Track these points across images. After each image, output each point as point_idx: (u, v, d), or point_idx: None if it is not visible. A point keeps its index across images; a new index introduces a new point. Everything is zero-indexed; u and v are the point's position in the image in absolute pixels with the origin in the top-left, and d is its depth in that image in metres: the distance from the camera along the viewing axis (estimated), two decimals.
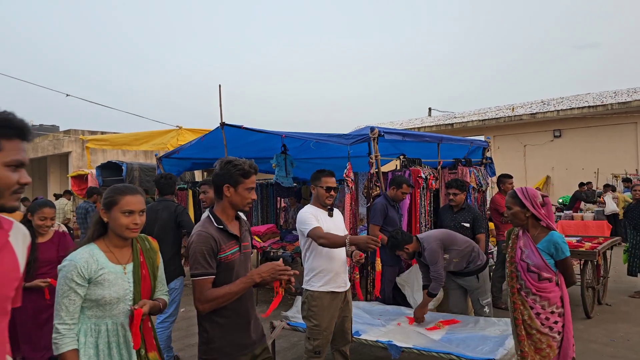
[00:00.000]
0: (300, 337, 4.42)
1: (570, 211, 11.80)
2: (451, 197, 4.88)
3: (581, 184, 13.18)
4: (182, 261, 4.27)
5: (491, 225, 7.41)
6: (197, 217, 7.38)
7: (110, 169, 12.27)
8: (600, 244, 5.83)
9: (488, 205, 7.46)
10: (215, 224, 2.15)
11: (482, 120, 16.88)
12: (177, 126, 8.28)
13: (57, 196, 11.45)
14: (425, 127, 18.44)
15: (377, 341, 3.48)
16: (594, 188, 12.97)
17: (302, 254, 3.29)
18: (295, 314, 4.14)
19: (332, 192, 3.26)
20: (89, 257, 1.92)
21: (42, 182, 19.12)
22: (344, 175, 5.03)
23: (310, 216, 3.15)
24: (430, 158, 6.10)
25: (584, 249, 5.44)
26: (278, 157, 6.17)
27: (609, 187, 11.78)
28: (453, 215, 4.91)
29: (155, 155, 7.40)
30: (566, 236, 6.64)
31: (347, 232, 3.46)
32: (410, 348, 3.34)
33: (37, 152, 16.67)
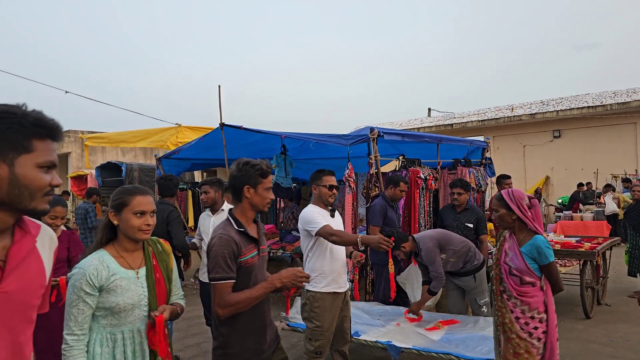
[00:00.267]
0: (300, 337, 4.42)
1: (570, 211, 11.83)
2: (455, 196, 4.86)
3: (579, 185, 13.19)
4: (182, 264, 4.26)
5: (490, 225, 7.42)
6: (197, 218, 7.38)
7: (109, 170, 12.28)
8: (599, 244, 5.83)
9: (487, 206, 7.47)
10: (236, 227, 2.12)
11: (482, 120, 16.88)
12: (177, 124, 8.24)
13: None
14: (424, 127, 18.45)
15: (376, 342, 3.48)
16: (594, 188, 12.98)
17: (304, 255, 3.28)
18: (294, 314, 4.14)
19: (334, 191, 3.26)
20: (98, 263, 1.83)
21: None
22: (346, 175, 5.02)
23: (317, 215, 3.14)
24: (429, 158, 6.10)
25: (583, 249, 5.44)
26: (278, 158, 6.18)
27: (609, 188, 11.79)
28: (456, 216, 4.90)
29: (155, 156, 7.39)
30: (565, 236, 6.67)
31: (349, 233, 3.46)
32: (409, 348, 3.34)
33: None
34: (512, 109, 17.15)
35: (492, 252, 6.66)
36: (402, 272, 4.81)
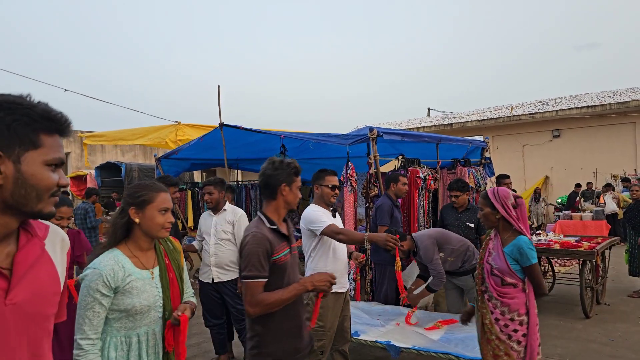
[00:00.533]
0: None
1: (569, 211, 11.83)
2: (453, 199, 4.87)
3: (577, 185, 13.21)
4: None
5: None
6: (196, 218, 7.38)
7: (109, 170, 12.29)
8: (599, 243, 5.84)
9: None
10: (269, 225, 2.12)
11: (481, 120, 16.88)
12: (176, 121, 8.21)
13: None
14: (424, 127, 18.45)
15: (376, 341, 3.48)
16: (594, 188, 12.99)
17: (306, 255, 3.27)
18: None
19: (336, 191, 3.27)
20: (114, 264, 1.75)
21: None
22: (348, 175, 5.02)
23: (322, 214, 3.14)
24: (429, 158, 6.10)
25: (582, 249, 5.44)
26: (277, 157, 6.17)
27: (609, 187, 11.80)
28: (457, 215, 4.90)
29: (155, 156, 7.39)
30: (565, 236, 6.67)
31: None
32: (409, 348, 3.34)
33: None
34: (512, 108, 17.16)
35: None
36: (404, 270, 4.81)
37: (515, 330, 2.53)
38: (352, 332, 3.53)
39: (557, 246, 5.70)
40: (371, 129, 4.80)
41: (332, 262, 3.15)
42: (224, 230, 4.01)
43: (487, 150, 7.10)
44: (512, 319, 2.54)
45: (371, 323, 3.93)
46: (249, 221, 4.20)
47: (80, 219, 7.43)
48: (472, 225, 4.80)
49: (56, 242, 1.16)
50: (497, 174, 7.52)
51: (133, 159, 15.88)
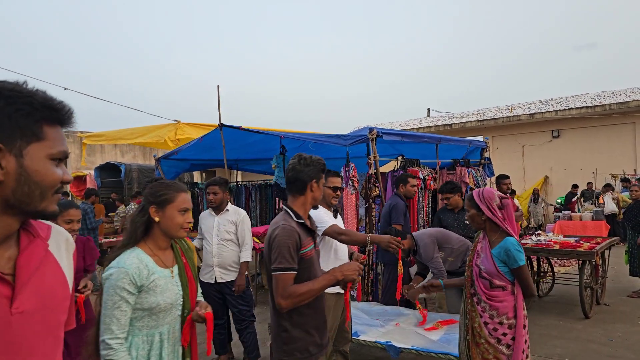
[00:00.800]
0: None
1: (569, 211, 11.83)
2: (445, 202, 4.90)
3: (574, 186, 13.23)
4: None
5: None
6: (196, 219, 7.37)
7: (108, 170, 12.29)
8: (598, 244, 5.84)
9: None
10: (296, 219, 2.13)
11: (481, 120, 16.89)
12: (175, 120, 8.19)
13: None
14: (423, 127, 18.45)
15: (375, 342, 3.48)
16: (593, 188, 13.00)
17: None
18: None
19: (338, 192, 3.28)
20: (138, 262, 1.76)
21: None
22: (350, 176, 5.03)
23: (324, 214, 3.16)
24: (428, 158, 6.11)
25: (582, 249, 5.45)
26: (277, 158, 6.18)
27: (608, 187, 11.80)
28: (455, 216, 4.91)
29: (154, 157, 7.38)
30: (564, 236, 6.67)
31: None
32: (409, 348, 3.34)
33: None
34: (511, 109, 17.16)
35: None
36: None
37: (504, 334, 2.50)
38: (352, 332, 3.53)
39: (556, 246, 5.70)
40: (371, 129, 4.81)
41: (334, 263, 3.15)
42: (227, 231, 4.00)
43: (486, 151, 7.11)
44: (500, 323, 2.51)
45: (371, 323, 3.93)
46: (251, 222, 4.24)
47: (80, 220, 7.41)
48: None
49: (61, 243, 1.07)
50: (496, 174, 7.53)
51: (133, 159, 15.87)
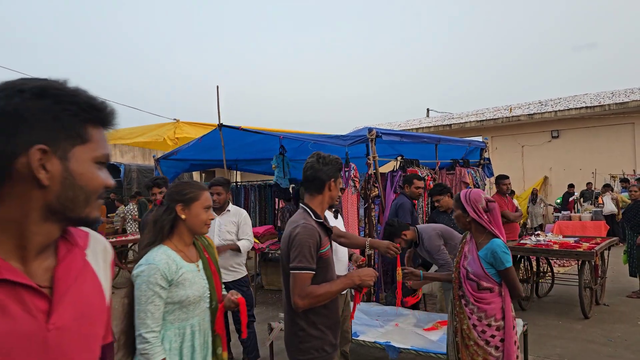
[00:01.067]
0: None
1: (568, 212, 11.83)
2: (437, 204, 4.90)
3: (570, 186, 13.27)
4: None
5: None
6: None
7: (108, 170, 12.26)
8: (597, 244, 5.83)
9: None
10: (315, 218, 2.12)
11: (480, 121, 16.89)
12: (175, 119, 8.16)
13: None
14: (423, 127, 18.45)
15: (375, 342, 3.48)
16: (593, 188, 13.00)
17: None
18: None
19: (340, 193, 3.28)
20: (167, 257, 1.85)
21: None
22: (352, 176, 5.03)
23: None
24: (428, 159, 6.11)
25: (581, 250, 5.45)
26: (277, 158, 6.18)
27: (607, 188, 11.80)
28: (449, 217, 4.90)
29: (153, 157, 7.37)
30: (564, 237, 6.66)
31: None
32: (408, 349, 3.34)
33: None
34: (511, 109, 17.17)
35: None
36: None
37: (493, 336, 2.50)
38: (352, 332, 3.52)
39: (556, 247, 5.70)
40: (370, 129, 4.81)
41: (334, 264, 3.15)
42: (228, 231, 4.00)
43: (486, 151, 7.11)
44: (489, 325, 2.51)
45: (370, 324, 3.92)
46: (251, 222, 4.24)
47: None
48: None
49: (98, 252, 1.00)
50: (496, 174, 7.53)
51: (132, 159, 15.86)
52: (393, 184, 5.25)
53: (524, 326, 3.73)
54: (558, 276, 6.89)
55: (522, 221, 12.33)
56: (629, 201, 7.16)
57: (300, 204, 2.21)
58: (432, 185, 5.66)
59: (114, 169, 12.04)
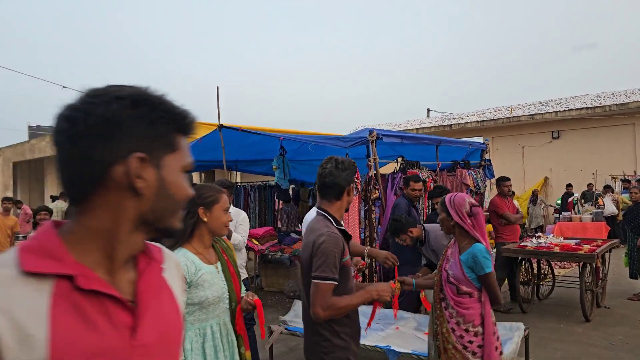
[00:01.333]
0: (299, 341, 4.38)
1: (569, 213, 11.81)
2: (436, 206, 4.88)
3: (568, 185, 13.27)
4: None
5: (489, 227, 7.40)
6: None
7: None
8: (599, 246, 5.81)
9: (486, 207, 7.45)
10: (336, 225, 2.07)
11: (481, 121, 16.87)
12: None
13: (53, 198, 11.40)
14: (423, 128, 18.42)
15: (375, 346, 3.46)
16: (594, 190, 12.98)
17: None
18: (293, 318, 4.11)
19: None
20: (185, 259, 1.91)
21: (39, 184, 19.05)
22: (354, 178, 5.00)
23: None
24: (429, 160, 6.09)
25: (582, 252, 5.42)
26: (278, 159, 6.16)
27: (608, 189, 11.78)
28: None
29: None
30: (565, 238, 6.64)
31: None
32: (408, 353, 3.32)
33: (34, 154, 16.60)
34: (511, 109, 17.15)
35: (491, 254, 6.68)
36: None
37: (471, 342, 2.49)
38: None
39: (557, 249, 5.68)
40: (370, 131, 4.79)
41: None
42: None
43: (486, 152, 7.08)
44: (466, 330, 2.49)
45: (371, 327, 3.90)
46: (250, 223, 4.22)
47: None
48: None
49: (172, 267, 0.95)
50: (496, 175, 7.50)
51: None
52: (394, 185, 5.23)
53: (525, 330, 3.71)
54: (559, 278, 6.87)
55: (522, 222, 12.32)
56: (630, 202, 7.14)
57: (317, 210, 2.16)
58: (432, 187, 5.64)
59: None
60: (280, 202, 8.19)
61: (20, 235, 9.69)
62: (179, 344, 0.91)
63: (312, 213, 3.23)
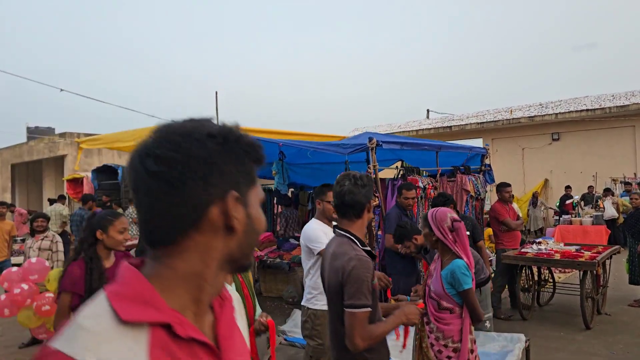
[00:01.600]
0: (297, 351, 4.35)
1: (569, 215, 11.77)
2: None
3: (567, 187, 13.24)
4: None
5: (489, 231, 7.37)
6: None
7: (105, 173, 12.19)
8: (599, 253, 5.78)
9: (486, 210, 7.42)
10: (361, 247, 1.99)
11: (480, 123, 16.83)
12: (173, 120, 8.06)
13: (51, 201, 11.33)
14: (423, 129, 18.37)
15: None
16: (594, 192, 12.95)
17: (305, 270, 3.26)
18: (292, 328, 4.08)
19: None
20: None
21: (37, 186, 19.00)
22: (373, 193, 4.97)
23: (321, 233, 3.11)
24: (428, 163, 6.06)
25: (583, 259, 5.39)
26: (277, 164, 6.12)
27: (608, 192, 11.75)
28: None
29: None
30: (565, 244, 6.61)
31: None
32: None
33: (32, 156, 16.55)
34: (511, 111, 17.11)
35: (491, 259, 6.64)
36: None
37: (449, 357, 2.49)
38: None
39: (557, 256, 5.65)
40: (370, 138, 4.75)
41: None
42: None
43: (487, 157, 7.04)
44: (445, 346, 2.49)
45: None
46: None
47: (76, 226, 7.35)
48: (468, 233, 4.74)
49: (236, 306, 0.92)
50: (496, 177, 7.46)
51: None
52: (394, 192, 5.19)
53: (526, 342, 3.67)
54: (559, 284, 6.83)
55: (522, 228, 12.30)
56: (630, 205, 7.11)
57: (338, 230, 2.07)
58: (433, 193, 5.60)
59: (111, 171, 11.96)
60: (280, 206, 8.15)
61: (19, 239, 9.67)
62: None
63: (310, 225, 3.20)
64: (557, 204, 13.71)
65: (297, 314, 4.35)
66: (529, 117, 15.79)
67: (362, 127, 22.27)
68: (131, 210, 9.69)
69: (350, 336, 1.88)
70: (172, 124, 0.74)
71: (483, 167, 6.89)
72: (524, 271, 6.00)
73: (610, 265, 6.37)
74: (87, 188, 12.22)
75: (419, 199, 5.34)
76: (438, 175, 5.95)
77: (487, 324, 4.07)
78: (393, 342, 3.90)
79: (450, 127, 17.57)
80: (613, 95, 16.10)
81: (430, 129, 18.14)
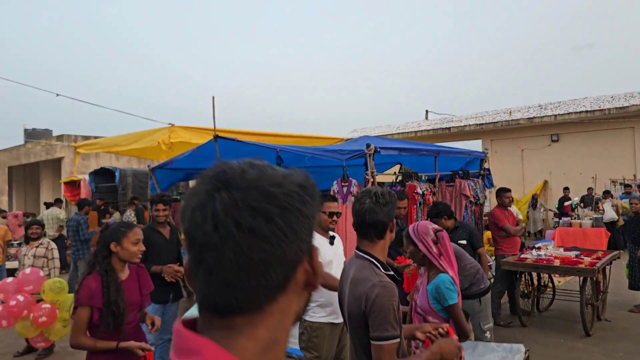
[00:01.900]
0: None
1: (568, 218, 11.74)
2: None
3: (565, 189, 13.22)
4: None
5: (488, 234, 7.32)
6: None
7: (103, 175, 12.14)
8: (599, 259, 5.73)
9: (485, 212, 7.37)
10: (384, 271, 1.83)
11: (480, 124, 16.79)
12: (170, 124, 7.99)
13: (47, 205, 11.25)
14: (422, 130, 18.33)
15: None
16: (593, 194, 12.92)
17: None
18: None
19: (335, 217, 3.20)
20: None
21: (34, 188, 18.93)
22: (354, 192, 4.91)
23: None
24: (427, 166, 6.01)
25: (583, 266, 5.35)
26: None
27: (608, 194, 11.71)
28: (449, 235, 4.80)
29: (148, 166, 7.25)
30: (565, 249, 6.56)
31: (345, 259, 3.37)
32: None
33: (29, 158, 16.48)
34: (510, 112, 17.07)
35: (490, 264, 6.60)
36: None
37: None
38: None
39: (557, 262, 5.60)
40: (368, 144, 4.69)
41: (329, 293, 3.07)
42: None
43: (486, 161, 6.99)
44: None
45: None
46: None
47: (73, 231, 7.29)
48: (464, 242, 4.72)
49: None
50: (495, 178, 7.41)
51: (127, 164, 15.71)
52: None
53: (525, 353, 3.62)
54: (559, 288, 6.79)
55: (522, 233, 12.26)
56: (629, 207, 7.06)
57: (358, 252, 1.92)
58: (432, 199, 5.54)
59: (109, 174, 11.90)
60: None
61: (15, 242, 9.59)
62: None
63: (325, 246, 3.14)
64: (556, 205, 13.68)
65: (296, 327, 4.32)
66: (528, 118, 15.76)
67: (361, 127, 22.23)
68: (129, 213, 9.63)
69: None
70: (244, 172, 0.64)
71: (482, 172, 6.83)
72: (523, 277, 5.96)
73: (610, 271, 6.33)
74: (85, 191, 12.16)
75: (418, 205, 5.30)
76: (437, 181, 5.90)
77: (488, 334, 4.03)
78: None
79: (449, 128, 17.53)
80: (612, 97, 16.07)
81: (429, 130, 18.09)
